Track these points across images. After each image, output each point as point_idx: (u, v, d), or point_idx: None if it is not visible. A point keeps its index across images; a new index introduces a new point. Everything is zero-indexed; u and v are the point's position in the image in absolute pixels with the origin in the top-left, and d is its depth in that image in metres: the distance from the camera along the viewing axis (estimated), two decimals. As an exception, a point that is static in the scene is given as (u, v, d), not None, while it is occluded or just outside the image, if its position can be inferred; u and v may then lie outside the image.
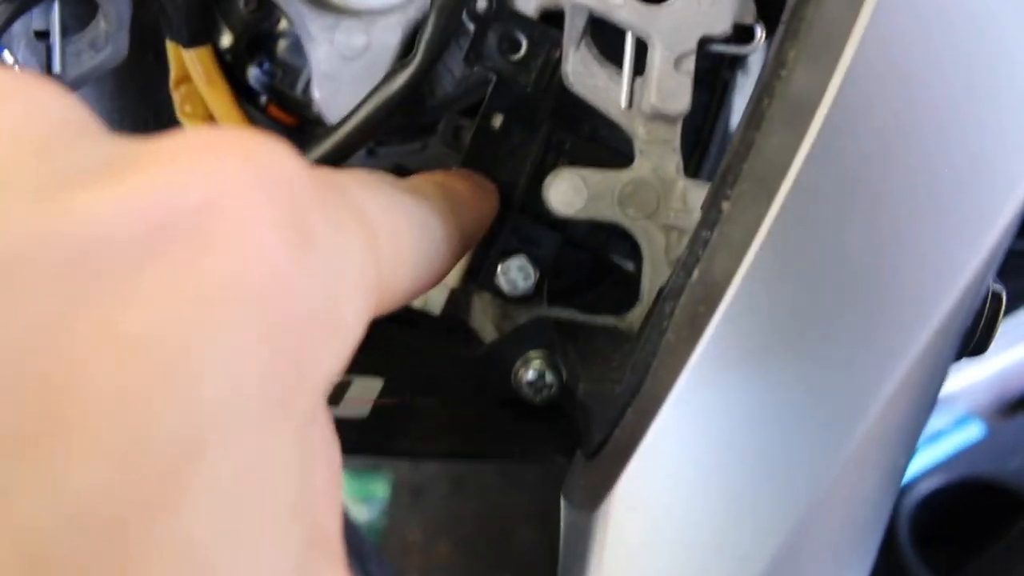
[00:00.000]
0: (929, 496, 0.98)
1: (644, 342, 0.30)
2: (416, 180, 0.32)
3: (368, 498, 1.14)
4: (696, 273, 0.29)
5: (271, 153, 0.19)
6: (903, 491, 0.98)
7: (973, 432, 1.03)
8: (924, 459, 1.01)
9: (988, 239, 0.29)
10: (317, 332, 0.19)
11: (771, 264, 0.27)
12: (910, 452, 0.33)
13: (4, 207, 0.16)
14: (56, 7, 0.39)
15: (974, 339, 0.36)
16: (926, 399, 0.32)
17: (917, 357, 0.29)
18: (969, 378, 1.04)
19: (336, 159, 0.40)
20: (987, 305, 0.36)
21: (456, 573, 1.12)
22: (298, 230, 0.19)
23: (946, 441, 1.03)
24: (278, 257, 0.18)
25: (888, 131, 0.28)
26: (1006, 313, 0.35)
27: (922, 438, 1.13)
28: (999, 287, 0.38)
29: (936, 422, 1.04)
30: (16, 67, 0.38)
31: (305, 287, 0.19)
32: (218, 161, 0.18)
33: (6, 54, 0.38)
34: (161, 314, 0.16)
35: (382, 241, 0.24)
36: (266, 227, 0.18)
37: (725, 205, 0.28)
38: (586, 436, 0.32)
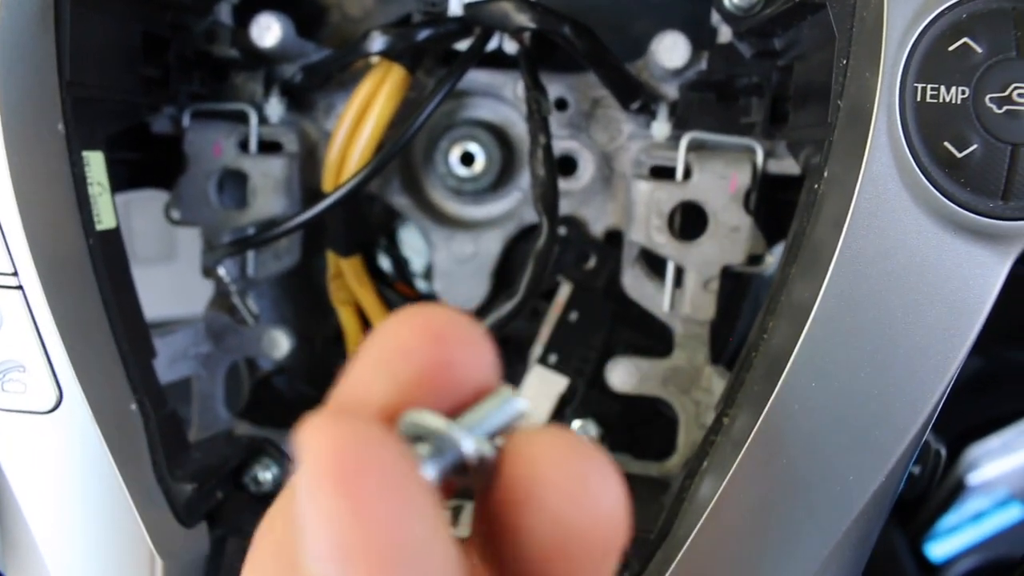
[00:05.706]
0: (968, 574, 1.07)
1: (670, 506, 0.43)
2: None
3: None
4: (703, 465, 0.42)
5: None
6: (943, 568, 1.07)
7: (1013, 514, 1.12)
8: (965, 539, 1.10)
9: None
10: None
11: (750, 480, 0.39)
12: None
13: None
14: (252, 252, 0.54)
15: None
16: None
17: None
18: (1010, 463, 1.13)
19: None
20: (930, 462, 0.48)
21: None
22: None
23: (987, 523, 1.12)
24: None
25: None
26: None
27: (964, 519, 1.20)
28: (939, 446, 0.50)
29: (977, 504, 1.13)
30: (223, 272, 0.53)
31: None
32: None
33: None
34: None
35: None
36: None
37: (725, 420, 0.41)
38: (623, 568, 0.45)
